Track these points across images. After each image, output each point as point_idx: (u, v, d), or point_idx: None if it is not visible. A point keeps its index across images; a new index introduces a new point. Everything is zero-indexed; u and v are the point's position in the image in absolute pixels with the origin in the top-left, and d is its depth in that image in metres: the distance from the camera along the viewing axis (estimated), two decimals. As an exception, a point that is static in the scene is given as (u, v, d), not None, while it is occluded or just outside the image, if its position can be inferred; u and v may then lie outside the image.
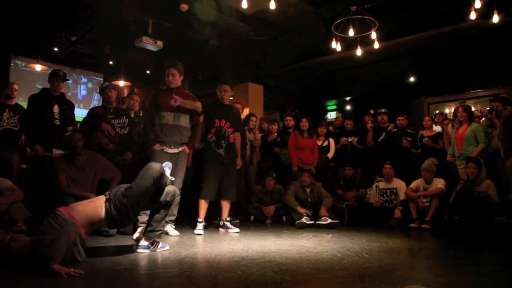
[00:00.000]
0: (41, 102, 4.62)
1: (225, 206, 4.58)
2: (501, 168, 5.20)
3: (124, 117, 4.95)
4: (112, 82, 9.52)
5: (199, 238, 3.99)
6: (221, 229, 4.58)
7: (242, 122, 5.38)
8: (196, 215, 4.44)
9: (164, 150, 4.06)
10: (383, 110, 6.46)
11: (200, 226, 4.29)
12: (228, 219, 4.60)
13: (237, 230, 4.46)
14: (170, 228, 4.14)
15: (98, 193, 4.12)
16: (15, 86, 5.08)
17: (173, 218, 4.21)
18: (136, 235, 3.79)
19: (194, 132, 4.35)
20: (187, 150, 4.22)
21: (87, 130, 4.65)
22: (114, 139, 4.74)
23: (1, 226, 3.74)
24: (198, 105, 4.30)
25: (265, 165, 6.33)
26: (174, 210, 4.14)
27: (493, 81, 8.15)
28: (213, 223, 5.13)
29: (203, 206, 4.43)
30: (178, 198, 4.12)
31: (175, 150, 4.11)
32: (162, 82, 4.43)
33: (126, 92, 8.73)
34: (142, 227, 3.91)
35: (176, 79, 4.20)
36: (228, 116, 4.63)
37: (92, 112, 4.95)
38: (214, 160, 4.48)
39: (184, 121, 4.20)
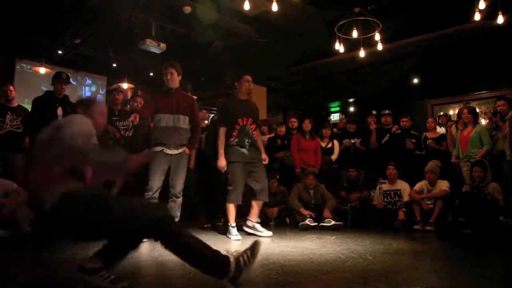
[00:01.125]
0: (45, 104, 4.64)
1: (256, 207, 4.32)
2: (506, 170, 5.17)
3: (129, 119, 4.98)
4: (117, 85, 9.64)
5: (201, 239, 3.97)
6: (248, 230, 4.32)
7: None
8: (197, 216, 4.39)
9: (164, 151, 4.02)
10: (386, 111, 6.43)
11: (234, 230, 4.11)
12: (258, 220, 4.35)
13: (270, 233, 4.23)
14: None
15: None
16: (11, 87, 5.10)
17: (177, 220, 4.18)
18: None
19: (193, 133, 4.26)
20: (187, 151, 4.17)
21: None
22: (119, 141, 4.76)
23: (6, 227, 3.76)
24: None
25: (271, 167, 6.31)
26: (177, 211, 4.13)
27: (497, 82, 8.11)
28: (216, 224, 5.12)
29: (232, 210, 4.18)
30: (180, 200, 4.14)
31: (175, 152, 4.07)
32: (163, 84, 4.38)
33: (129, 94, 8.77)
34: None
35: (175, 78, 4.14)
36: (250, 112, 4.36)
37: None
38: (239, 161, 4.19)
39: (184, 122, 4.14)
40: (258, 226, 4.30)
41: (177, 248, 1.99)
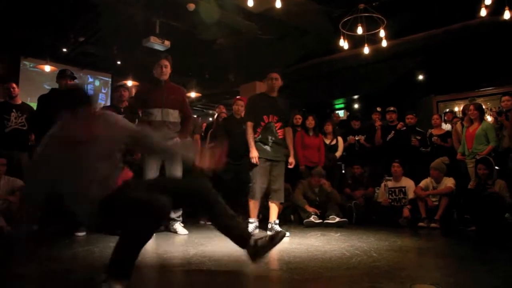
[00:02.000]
0: (50, 102, 4.67)
1: (273, 207, 4.24)
2: (513, 167, 5.15)
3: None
4: (120, 82, 9.67)
5: (207, 236, 3.98)
6: (268, 232, 4.18)
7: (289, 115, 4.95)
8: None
9: None
10: (391, 108, 6.41)
11: (251, 226, 4.09)
12: (277, 221, 4.23)
13: (287, 233, 4.02)
14: (178, 227, 4.10)
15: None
16: (14, 85, 5.13)
17: (179, 214, 4.15)
18: None
19: (185, 123, 4.19)
20: (179, 140, 4.06)
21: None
22: None
23: (13, 224, 3.79)
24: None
25: None
26: None
27: (503, 78, 8.04)
28: (199, 222, 5.04)
29: (253, 206, 4.15)
30: None
31: None
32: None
33: (133, 92, 8.79)
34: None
35: (168, 71, 4.09)
36: (276, 109, 4.27)
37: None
38: (261, 157, 4.12)
39: (173, 116, 4.07)
40: (276, 227, 4.18)
41: (213, 215, 2.23)
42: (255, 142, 4.15)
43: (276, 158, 4.20)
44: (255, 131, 4.19)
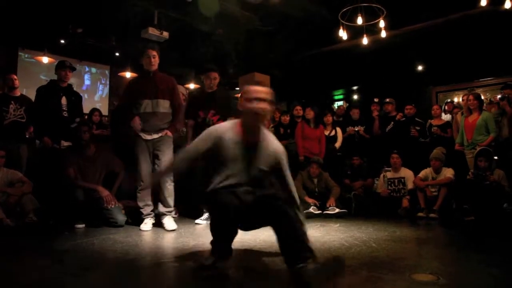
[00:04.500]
0: (49, 94, 4.65)
1: None
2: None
3: None
4: (119, 74, 9.63)
5: (206, 228, 3.99)
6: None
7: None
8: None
9: (143, 137, 3.90)
10: (387, 100, 6.40)
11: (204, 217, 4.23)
12: None
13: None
14: (169, 221, 3.90)
15: (104, 186, 4.20)
16: (14, 76, 5.09)
17: (171, 209, 4.00)
18: (145, 226, 3.82)
19: (175, 115, 4.14)
20: (169, 134, 4.02)
21: (118, 118, 4.81)
22: None
23: (12, 217, 3.80)
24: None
25: None
26: (170, 201, 3.97)
27: (503, 69, 8.01)
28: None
29: None
30: (172, 187, 3.99)
31: (154, 136, 3.93)
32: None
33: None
34: (148, 218, 3.93)
35: (157, 61, 4.02)
36: (212, 103, 4.36)
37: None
38: None
39: (163, 106, 4.01)
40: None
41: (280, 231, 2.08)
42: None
43: None
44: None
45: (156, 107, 3.96)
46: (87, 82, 10.05)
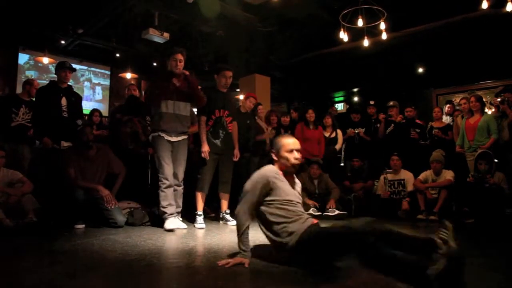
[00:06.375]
0: (49, 94, 4.65)
1: (224, 198, 4.42)
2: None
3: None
4: (119, 75, 9.64)
5: (206, 229, 3.99)
6: (220, 222, 4.44)
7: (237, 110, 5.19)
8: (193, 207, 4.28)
9: (165, 137, 3.94)
10: (391, 103, 6.40)
11: (200, 219, 4.14)
12: (227, 211, 4.38)
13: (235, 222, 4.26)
14: (177, 221, 3.96)
15: (105, 186, 4.19)
16: (36, 83, 5.17)
17: (179, 210, 4.10)
18: (171, 225, 3.81)
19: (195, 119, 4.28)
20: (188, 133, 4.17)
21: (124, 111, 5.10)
22: (146, 132, 4.83)
23: (12, 217, 3.79)
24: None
25: None
26: (179, 201, 4.08)
27: (503, 71, 8.02)
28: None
29: (200, 198, 4.26)
30: (181, 188, 4.10)
31: (176, 139, 4.01)
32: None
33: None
34: (172, 217, 3.92)
35: (182, 65, 4.03)
36: (227, 104, 4.46)
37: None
38: (210, 151, 4.24)
39: (184, 109, 4.08)
40: (227, 216, 4.36)
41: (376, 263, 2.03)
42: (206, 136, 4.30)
43: (224, 152, 4.38)
44: (206, 125, 4.34)
45: (177, 109, 4.03)
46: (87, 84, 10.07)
